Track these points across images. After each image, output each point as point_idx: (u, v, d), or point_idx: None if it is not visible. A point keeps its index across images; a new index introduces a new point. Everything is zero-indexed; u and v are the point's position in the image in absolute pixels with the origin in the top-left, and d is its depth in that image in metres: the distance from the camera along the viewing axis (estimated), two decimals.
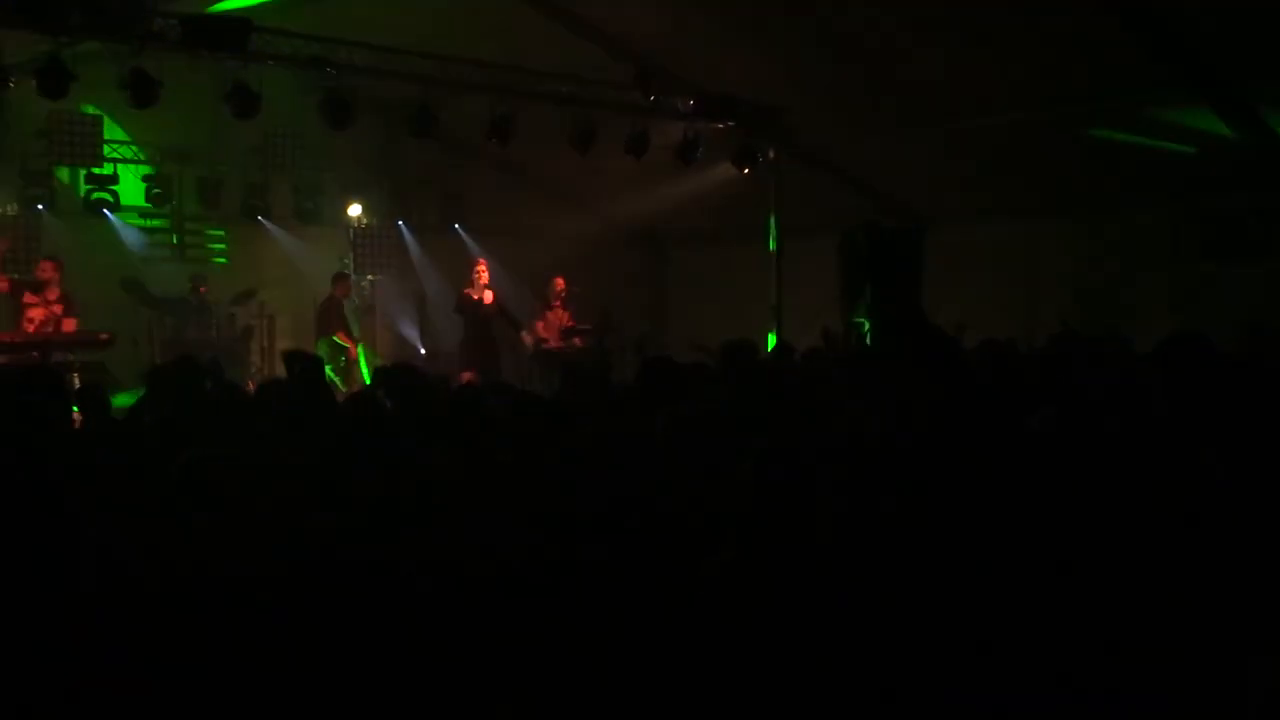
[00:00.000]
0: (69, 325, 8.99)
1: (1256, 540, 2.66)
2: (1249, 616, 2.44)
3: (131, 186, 10.60)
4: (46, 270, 9.01)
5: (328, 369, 7.46)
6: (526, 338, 10.56)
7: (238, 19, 8.44)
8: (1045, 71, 8.81)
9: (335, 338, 10.75)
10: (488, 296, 10.41)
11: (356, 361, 10.87)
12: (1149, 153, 9.55)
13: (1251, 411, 3.50)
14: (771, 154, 10.92)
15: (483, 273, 10.46)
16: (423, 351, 11.94)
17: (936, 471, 3.04)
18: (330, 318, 10.78)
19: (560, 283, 10.89)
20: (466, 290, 10.43)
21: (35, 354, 8.57)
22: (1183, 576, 2.56)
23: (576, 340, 10.71)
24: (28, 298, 8.96)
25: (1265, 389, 3.85)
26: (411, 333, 12.36)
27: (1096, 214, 10.72)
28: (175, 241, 11.20)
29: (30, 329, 8.84)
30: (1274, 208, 9.38)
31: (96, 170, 10.31)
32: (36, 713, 2.11)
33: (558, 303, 10.86)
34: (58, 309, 9.01)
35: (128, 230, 10.73)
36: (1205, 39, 8.03)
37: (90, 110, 9.76)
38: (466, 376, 9.07)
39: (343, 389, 9.34)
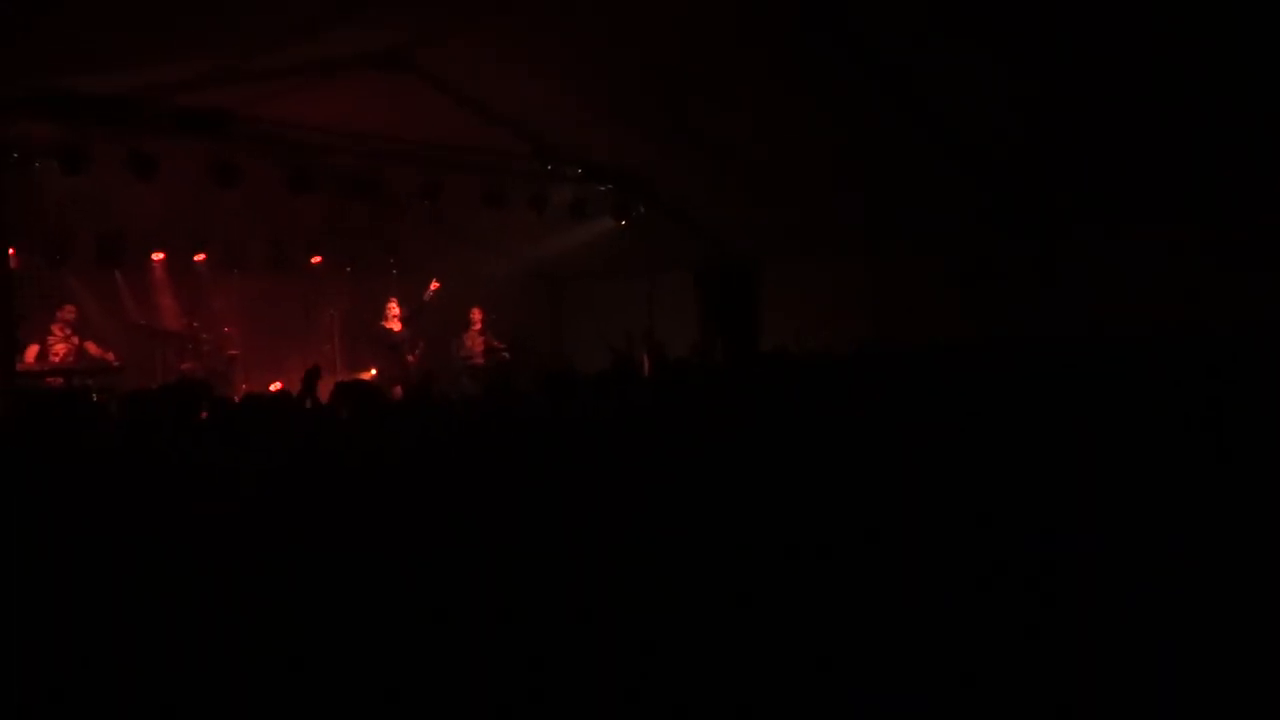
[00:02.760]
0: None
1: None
2: None
3: None
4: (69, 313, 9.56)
5: None
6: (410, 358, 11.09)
7: (221, 110, 8.57)
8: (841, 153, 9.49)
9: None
10: (397, 326, 11.08)
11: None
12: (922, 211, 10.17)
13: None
14: (642, 209, 11.56)
15: (393, 307, 11.11)
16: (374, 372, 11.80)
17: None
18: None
19: (477, 313, 11.48)
20: (383, 322, 11.19)
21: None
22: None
23: (484, 358, 11.39)
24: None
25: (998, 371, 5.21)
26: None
27: (879, 255, 11.26)
28: None
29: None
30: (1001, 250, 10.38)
31: None
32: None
33: (475, 329, 11.49)
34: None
35: None
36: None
37: None
38: (398, 390, 9.65)
39: None
